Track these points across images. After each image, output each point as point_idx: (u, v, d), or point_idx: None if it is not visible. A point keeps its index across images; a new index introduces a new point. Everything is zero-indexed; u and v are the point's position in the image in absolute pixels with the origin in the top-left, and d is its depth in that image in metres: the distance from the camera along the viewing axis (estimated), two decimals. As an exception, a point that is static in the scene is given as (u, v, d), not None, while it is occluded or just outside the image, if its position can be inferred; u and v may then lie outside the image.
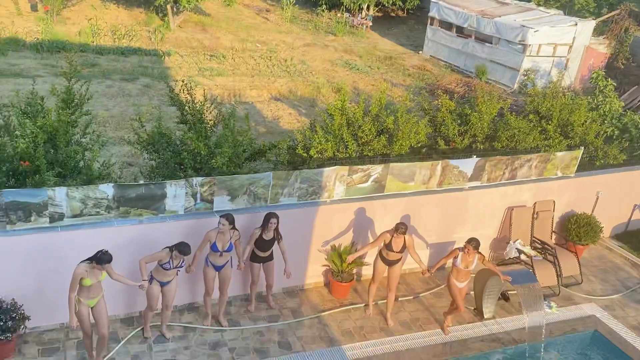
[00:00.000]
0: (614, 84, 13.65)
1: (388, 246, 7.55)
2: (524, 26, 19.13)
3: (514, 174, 9.43)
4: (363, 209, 8.34)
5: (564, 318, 8.58)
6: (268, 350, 7.19)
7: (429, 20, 22.96)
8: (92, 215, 6.78)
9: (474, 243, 7.40)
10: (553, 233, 9.90)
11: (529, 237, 9.55)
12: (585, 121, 10.72)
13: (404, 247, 7.57)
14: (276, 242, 7.44)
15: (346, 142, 8.61)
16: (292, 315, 7.90)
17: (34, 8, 19.94)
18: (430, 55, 22.97)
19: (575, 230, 9.84)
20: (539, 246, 9.37)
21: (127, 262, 6.77)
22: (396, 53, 22.99)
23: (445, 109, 9.86)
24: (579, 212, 10.12)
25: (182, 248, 6.45)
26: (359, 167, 8.14)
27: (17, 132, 6.92)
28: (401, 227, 7.41)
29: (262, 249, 7.46)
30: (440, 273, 8.93)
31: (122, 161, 10.70)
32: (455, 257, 7.56)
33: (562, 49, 19.62)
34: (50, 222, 6.62)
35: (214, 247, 6.99)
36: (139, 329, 7.20)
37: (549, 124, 10.41)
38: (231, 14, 24.70)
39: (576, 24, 19.36)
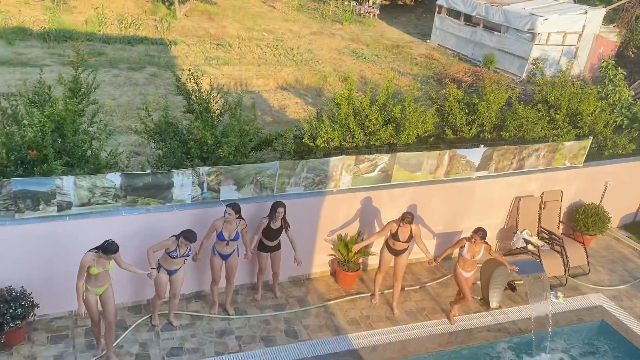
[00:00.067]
0: (624, 72, 13.51)
1: (394, 236, 7.55)
2: (533, 14, 18.92)
3: (521, 163, 9.38)
4: (369, 198, 8.33)
5: (570, 308, 8.56)
6: (274, 339, 7.23)
7: (437, 9, 22.78)
8: (99, 204, 6.82)
9: (480, 233, 7.38)
10: (560, 223, 9.86)
11: (537, 227, 9.51)
12: (595, 110, 10.63)
13: (411, 236, 7.57)
14: (284, 231, 7.46)
15: (353, 131, 8.59)
16: (298, 304, 7.93)
17: (40, -3, 19.95)
18: (438, 44, 22.81)
19: (583, 220, 9.80)
20: (546, 236, 9.34)
21: (135, 251, 6.82)
22: (403, 42, 22.85)
23: (453, 98, 9.80)
24: (587, 202, 10.07)
25: (187, 234, 6.49)
26: (366, 156, 8.12)
27: (25, 121, 6.94)
28: (408, 217, 7.40)
29: (269, 238, 7.48)
30: (446, 263, 8.93)
31: (129, 150, 10.73)
32: (462, 247, 7.55)
33: (572, 38, 19.40)
34: (59, 210, 6.66)
35: (220, 236, 7.01)
36: (146, 316, 7.26)
37: (558, 114, 10.33)
38: (237, 2, 24.62)
39: (586, 12, 19.13)
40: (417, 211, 8.60)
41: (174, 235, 6.59)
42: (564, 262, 9.00)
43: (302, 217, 7.80)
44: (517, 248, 9.36)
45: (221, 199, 7.44)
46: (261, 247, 7.55)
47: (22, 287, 6.53)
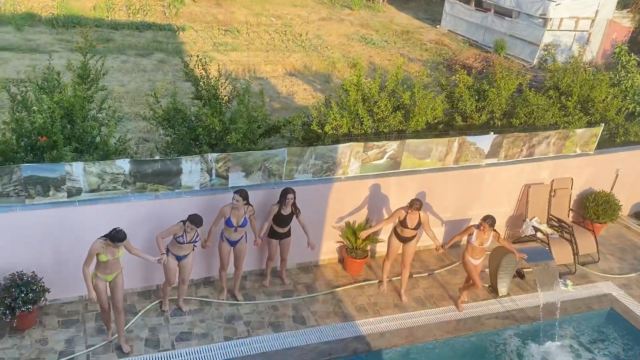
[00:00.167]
0: (637, 59, 13.28)
1: (403, 223, 7.54)
2: (545, -1, 18.65)
3: (531, 151, 9.31)
4: (378, 185, 8.31)
5: (579, 296, 8.54)
6: (283, 325, 7.28)
7: (447, -6, 22.52)
8: (109, 190, 6.85)
9: (489, 220, 7.35)
10: (570, 211, 9.80)
11: (546, 214, 9.45)
12: (606, 97, 10.50)
13: (419, 223, 7.55)
14: (295, 217, 7.47)
15: (361, 118, 8.54)
16: (306, 290, 7.96)
17: (49, -18, 19.89)
18: (448, 30, 22.57)
19: (594, 208, 9.73)
20: (556, 224, 9.28)
21: (144, 237, 6.86)
22: (413, 27, 22.64)
23: (463, 84, 9.72)
24: (598, 190, 9.99)
25: (193, 218, 6.51)
26: (374, 143, 8.08)
27: (34, 107, 6.96)
28: (416, 203, 7.37)
29: (280, 225, 7.49)
30: (454, 250, 8.92)
31: (138, 137, 10.76)
32: (470, 235, 7.53)
33: (584, 23, 19.13)
34: (68, 196, 6.70)
35: (228, 223, 7.03)
36: (156, 302, 7.32)
37: (569, 100, 10.21)
38: (246, -13, 24.43)
39: (599, -3, 18.85)
40: (426, 198, 8.57)
41: (181, 221, 6.62)
42: (573, 250, 8.95)
43: (310, 204, 7.79)
44: (526, 236, 9.32)
45: (229, 185, 7.45)
46: (271, 233, 7.57)
47: (33, 272, 6.60)
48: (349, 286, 8.15)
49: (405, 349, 7.31)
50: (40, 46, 15.30)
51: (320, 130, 8.46)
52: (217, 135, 7.63)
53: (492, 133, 8.85)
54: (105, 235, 5.98)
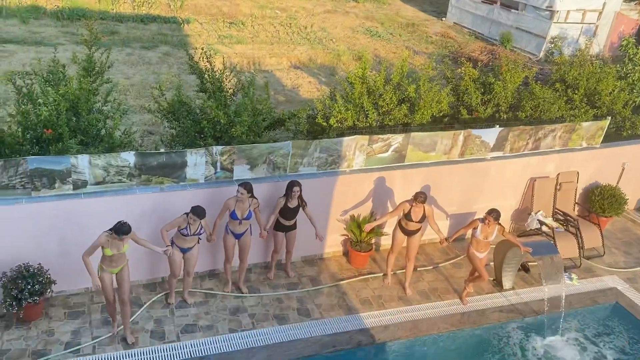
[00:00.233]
0: (644, 51, 13.18)
1: (407, 216, 7.53)
2: (551, -9, 18.49)
3: (537, 144, 9.27)
4: (383, 178, 8.30)
5: (584, 290, 8.52)
6: (287, 317, 7.30)
7: (453, -14, 22.36)
8: (114, 182, 6.87)
9: (494, 214, 7.33)
10: (576, 204, 9.76)
11: (551, 208, 9.42)
12: (613, 90, 10.43)
13: (424, 216, 7.54)
14: (301, 209, 7.47)
15: (366, 111, 8.52)
16: (311, 283, 7.98)
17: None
18: (454, 22, 22.44)
19: (599, 201, 9.69)
20: (561, 218, 9.26)
21: (149, 229, 6.88)
22: (419, 20, 22.52)
23: (469, 77, 9.67)
24: (604, 184, 9.94)
25: (196, 210, 6.52)
26: (379, 136, 8.06)
27: (40, 100, 6.97)
28: (420, 196, 7.36)
29: (287, 218, 7.50)
30: (459, 244, 8.92)
31: (143, 129, 10.76)
32: (475, 228, 7.52)
33: (592, 15, 18.96)
34: (74, 189, 6.73)
35: (233, 215, 7.05)
36: (161, 294, 7.36)
37: (576, 93, 10.15)
38: (251, -21, 24.33)
39: (607, -11, 18.67)
40: (431, 192, 8.56)
41: (184, 213, 6.64)
42: (578, 244, 8.93)
43: (315, 197, 7.80)
44: (531, 229, 9.30)
45: (234, 178, 7.46)
46: (278, 226, 7.58)
47: (39, 264, 6.64)
48: (354, 279, 8.16)
49: (410, 342, 7.32)
50: (45, 39, 15.31)
51: (325, 123, 8.44)
52: (222, 128, 7.63)
53: (498, 126, 8.81)
54: (110, 229, 6.00)
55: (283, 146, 7.55)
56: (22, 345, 6.36)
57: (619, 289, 8.61)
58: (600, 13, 18.91)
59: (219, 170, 7.35)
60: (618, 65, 12.12)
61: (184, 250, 6.88)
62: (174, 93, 8.03)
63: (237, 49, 16.47)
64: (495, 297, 8.16)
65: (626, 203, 9.90)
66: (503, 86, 9.50)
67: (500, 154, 9.02)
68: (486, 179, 9.03)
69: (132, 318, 6.86)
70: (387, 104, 8.59)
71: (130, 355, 6.40)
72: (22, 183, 6.48)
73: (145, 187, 7.05)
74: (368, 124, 8.52)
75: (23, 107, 6.88)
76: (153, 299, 7.27)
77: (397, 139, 8.14)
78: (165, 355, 6.46)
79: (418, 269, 8.48)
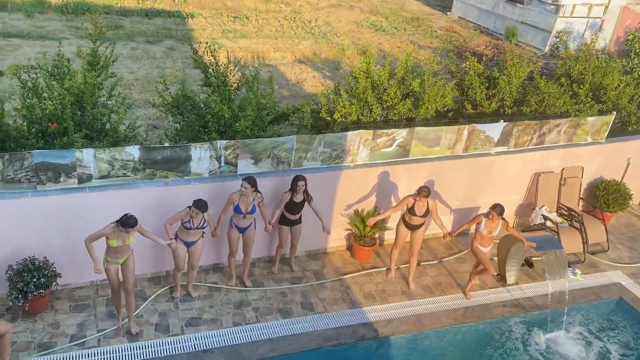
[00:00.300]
0: (651, 46, 13.13)
1: (411, 210, 7.53)
2: (557, -15, 18.39)
3: (542, 139, 9.24)
4: (387, 173, 8.30)
5: (588, 285, 8.52)
6: (291, 311, 7.33)
7: (458, -20, 22.26)
8: (119, 176, 6.90)
9: (498, 209, 7.33)
10: (580, 200, 9.74)
11: (556, 203, 9.40)
12: (619, 85, 10.38)
13: (427, 211, 7.54)
14: (307, 203, 7.49)
15: (371, 105, 8.51)
16: (314, 277, 8.01)
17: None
18: (459, 17, 22.35)
19: (604, 197, 9.67)
20: (566, 213, 9.24)
21: (153, 223, 6.90)
22: (423, 14, 22.44)
23: (473, 72, 9.64)
24: (608, 179, 9.91)
25: (198, 203, 6.53)
26: (384, 131, 8.06)
27: (45, 94, 7.00)
28: (424, 191, 7.36)
29: (292, 212, 7.52)
30: (463, 239, 8.92)
31: (148, 124, 10.79)
32: (479, 223, 7.52)
33: (598, 10, 18.85)
34: (79, 183, 6.76)
35: (237, 210, 7.07)
36: (166, 287, 7.40)
37: (581, 88, 10.10)
38: (255, -26, 24.27)
39: (613, -17, 18.55)
40: (435, 187, 8.55)
41: (187, 207, 6.66)
42: (582, 239, 8.91)
43: (318, 192, 7.80)
44: (535, 224, 9.29)
45: (238, 172, 7.47)
46: (283, 220, 7.59)
47: (45, 257, 6.68)
48: (357, 273, 8.18)
49: (413, 336, 7.34)
50: (50, 33, 15.34)
51: (329, 118, 8.44)
52: (226, 122, 7.64)
53: (502, 121, 8.79)
54: (117, 221, 6.04)
55: (287, 141, 7.56)
56: (28, 338, 6.41)
57: (623, 284, 8.60)
58: (607, 7, 18.79)
59: (223, 164, 7.37)
60: (624, 60, 12.07)
61: (188, 244, 6.91)
62: (178, 87, 8.04)
63: (241, 43, 16.46)
64: (499, 292, 8.17)
65: (631, 198, 9.87)
66: (508, 81, 9.47)
67: (504, 148, 9.00)
68: (490, 173, 9.02)
69: (137, 311, 6.90)
70: (392, 98, 8.57)
71: (135, 348, 6.44)
72: (28, 177, 6.51)
73: (150, 181, 7.08)
74: (372, 119, 8.51)
75: (28, 101, 6.90)
76: (158, 293, 7.31)
77: (401, 134, 8.13)
78: (170, 348, 6.50)
79: (422, 263, 8.49)
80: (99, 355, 6.29)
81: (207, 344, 6.64)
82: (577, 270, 8.70)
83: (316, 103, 8.90)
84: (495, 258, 8.37)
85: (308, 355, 6.81)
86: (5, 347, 5.00)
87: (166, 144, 7.11)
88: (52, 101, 6.66)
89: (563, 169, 9.48)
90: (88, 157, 6.62)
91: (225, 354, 6.55)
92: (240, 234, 7.32)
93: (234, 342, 6.71)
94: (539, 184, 9.27)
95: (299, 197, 7.42)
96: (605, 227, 9.34)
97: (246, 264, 7.61)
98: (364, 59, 8.78)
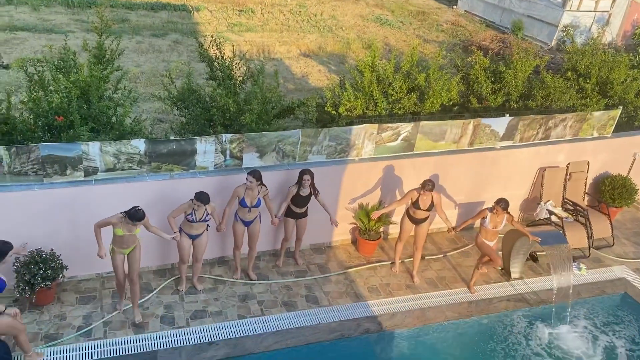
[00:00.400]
0: (658, 40, 13.03)
1: (415, 204, 7.54)
2: (565, -21, 18.26)
3: (548, 133, 9.21)
4: (392, 167, 8.30)
5: (593, 280, 8.51)
6: (295, 304, 7.36)
7: (465, -27, 22.14)
8: (124, 169, 6.93)
9: (502, 204, 7.32)
10: (586, 194, 9.71)
11: (561, 198, 9.38)
12: (626, 79, 10.32)
13: (431, 205, 7.54)
14: (314, 197, 7.51)
15: (376, 99, 8.50)
16: (319, 271, 8.03)
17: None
18: (465, 10, 22.24)
19: (610, 192, 9.64)
20: (571, 207, 9.22)
21: (158, 216, 6.93)
22: (429, 8, 22.35)
23: (479, 66, 9.60)
24: (614, 174, 9.88)
25: (199, 195, 6.55)
26: (389, 125, 8.05)
27: (51, 87, 7.03)
28: (428, 184, 7.36)
29: (298, 205, 7.54)
30: (467, 233, 8.92)
31: (153, 117, 10.82)
32: (484, 218, 7.51)
33: (605, 3, 18.72)
34: (85, 175, 6.79)
35: (242, 203, 7.09)
36: (171, 279, 7.44)
37: (587, 83, 10.05)
38: (260, -33, 24.21)
39: (621, -24, 18.40)
40: (440, 181, 8.55)
41: (190, 199, 6.69)
42: (587, 234, 8.89)
43: (323, 186, 7.81)
44: (540, 219, 9.27)
45: (243, 166, 7.49)
46: (289, 213, 7.61)
47: (52, 249, 6.73)
48: (362, 267, 8.20)
49: (417, 330, 7.36)
50: (56, 26, 15.38)
51: (334, 112, 8.44)
52: (232, 116, 7.65)
53: (508, 115, 8.76)
54: (125, 212, 6.08)
55: (292, 134, 7.57)
56: (34, 329, 6.47)
57: (628, 279, 8.58)
58: (614, 1, 18.66)
59: (228, 158, 7.39)
60: (631, 54, 11.97)
61: (192, 237, 6.94)
62: (183, 81, 8.06)
63: (247, 37, 16.46)
64: (503, 286, 8.17)
65: (637, 193, 9.84)
66: (514, 75, 9.43)
67: (510, 143, 8.98)
68: (495, 168, 9.00)
69: (142, 301, 6.95)
70: (397, 92, 8.56)
71: (140, 340, 6.49)
72: (34, 169, 6.55)
73: (155, 174, 7.11)
74: (377, 113, 8.51)
75: (35, 94, 6.93)
76: (163, 285, 7.36)
77: (406, 128, 8.13)
78: (175, 340, 6.55)
79: (426, 257, 8.50)
80: (105, 346, 6.34)
81: (212, 336, 6.68)
82: (582, 265, 8.69)
83: (321, 97, 8.90)
84: (500, 252, 8.36)
85: (312, 348, 6.85)
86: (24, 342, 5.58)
87: (172, 138, 7.14)
88: (58, 94, 6.69)
89: (569, 163, 9.46)
90: (94, 150, 6.65)
91: (230, 347, 6.59)
92: (246, 228, 7.35)
93: (239, 335, 6.75)
94: (544, 178, 9.25)
95: (305, 191, 7.43)
96: (611, 222, 9.31)
97: (251, 257, 7.64)
98: (369, 53, 8.76)
